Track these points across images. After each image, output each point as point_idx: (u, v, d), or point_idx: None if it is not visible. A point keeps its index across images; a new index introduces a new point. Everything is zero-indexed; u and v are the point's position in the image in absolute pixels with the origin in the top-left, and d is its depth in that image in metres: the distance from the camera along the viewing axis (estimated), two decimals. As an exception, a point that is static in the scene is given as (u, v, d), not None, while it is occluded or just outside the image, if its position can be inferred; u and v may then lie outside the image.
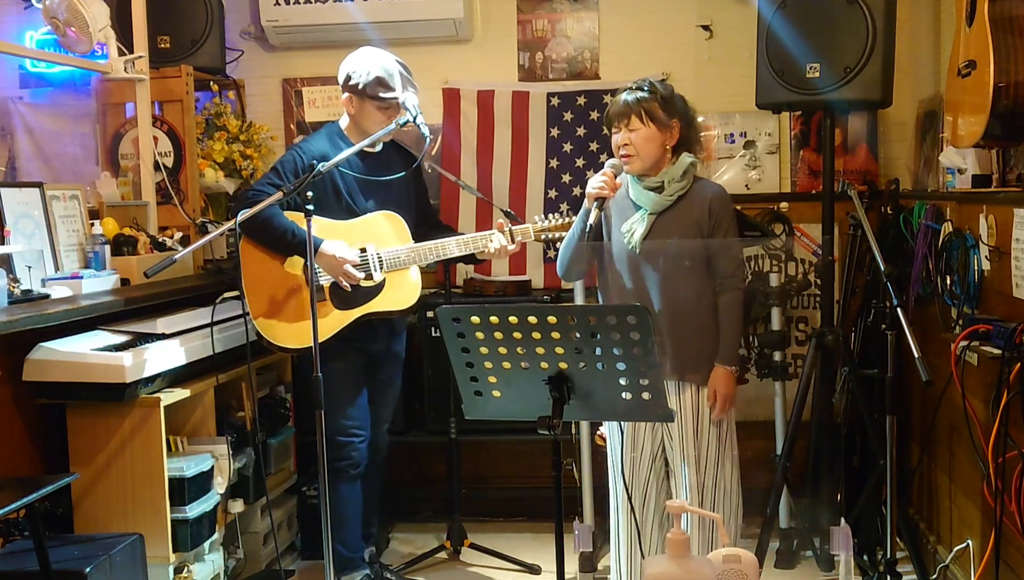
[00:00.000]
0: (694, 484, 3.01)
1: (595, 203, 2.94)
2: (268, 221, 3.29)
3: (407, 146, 3.69)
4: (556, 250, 4.55)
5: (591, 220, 2.91)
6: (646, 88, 2.99)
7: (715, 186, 3.10)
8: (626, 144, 2.96)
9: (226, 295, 3.49)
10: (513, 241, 3.40)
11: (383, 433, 3.77)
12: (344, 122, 3.53)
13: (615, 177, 2.98)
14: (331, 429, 3.42)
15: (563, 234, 3.38)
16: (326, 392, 3.30)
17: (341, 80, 3.44)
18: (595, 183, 2.95)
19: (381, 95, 3.37)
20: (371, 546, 3.84)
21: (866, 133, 4.51)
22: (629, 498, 3.05)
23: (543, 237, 3.43)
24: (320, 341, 3.27)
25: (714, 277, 3.03)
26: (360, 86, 3.38)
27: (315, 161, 3.14)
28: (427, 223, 3.66)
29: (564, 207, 4.58)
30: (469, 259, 3.55)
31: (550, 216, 3.45)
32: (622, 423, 2.98)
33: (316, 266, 3.31)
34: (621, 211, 3.06)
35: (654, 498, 3.10)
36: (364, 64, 3.39)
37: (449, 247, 3.42)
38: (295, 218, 3.34)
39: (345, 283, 3.34)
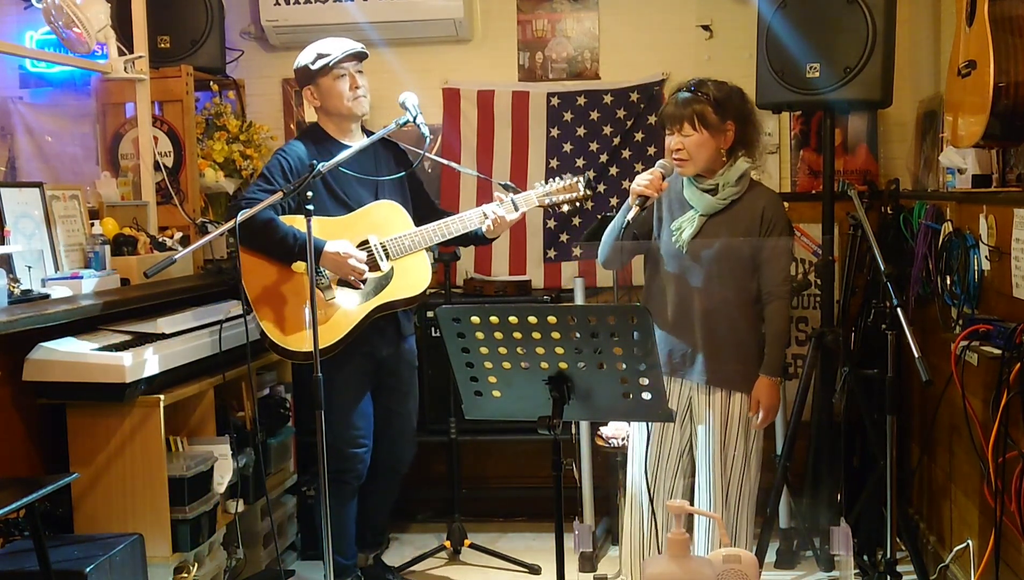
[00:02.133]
0: (717, 488, 3.00)
1: (637, 201, 2.90)
2: (267, 228, 3.25)
3: (394, 138, 3.64)
4: (556, 251, 4.59)
5: (630, 216, 2.88)
6: (698, 91, 2.94)
7: (770, 193, 3.07)
8: (679, 148, 2.94)
9: (231, 312, 3.50)
10: (516, 209, 3.41)
11: (408, 444, 3.69)
12: (322, 122, 3.52)
13: (663, 178, 2.94)
14: (336, 438, 3.39)
15: (568, 197, 3.42)
16: (330, 400, 3.28)
17: (299, 87, 3.50)
18: (641, 180, 2.91)
19: (322, 63, 3.38)
20: (377, 551, 3.84)
21: (866, 133, 4.51)
22: (651, 497, 3.04)
23: (546, 201, 3.44)
24: (339, 338, 3.30)
25: (762, 286, 2.99)
26: (303, 70, 3.42)
27: (315, 161, 3.13)
28: (428, 212, 3.62)
29: (565, 208, 4.56)
30: (479, 240, 3.52)
31: (551, 181, 3.45)
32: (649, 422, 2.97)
33: (322, 269, 3.31)
34: (674, 209, 3.04)
35: (679, 497, 3.08)
36: (303, 53, 3.46)
37: (452, 225, 3.41)
38: (292, 222, 3.32)
39: (357, 281, 3.32)
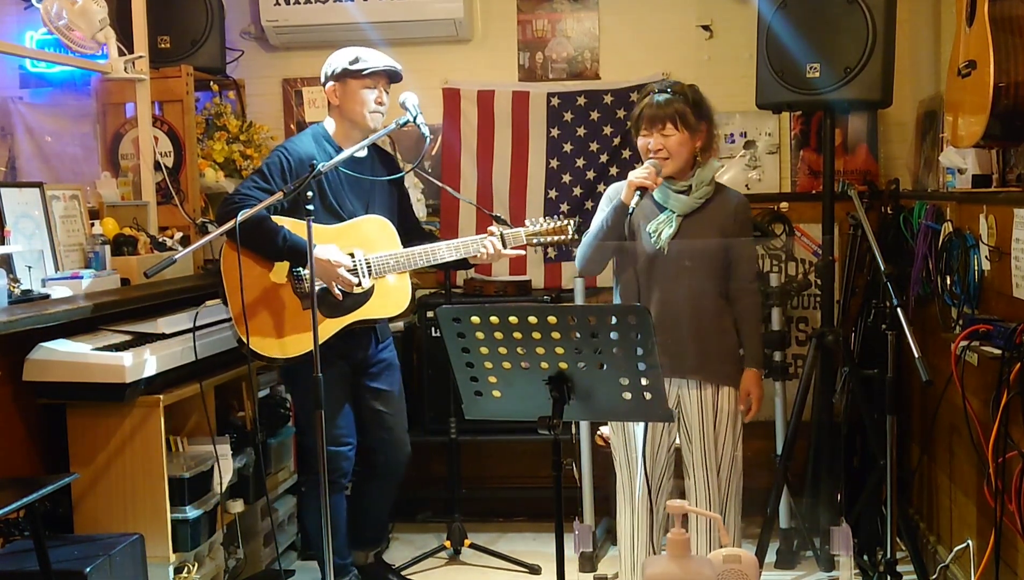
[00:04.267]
0: (714, 485, 3.03)
1: (636, 192, 2.93)
2: (258, 225, 3.18)
3: (389, 152, 3.63)
4: (556, 251, 4.59)
5: (633, 204, 2.92)
6: (677, 92, 3.00)
7: (738, 194, 3.17)
8: (660, 149, 2.99)
9: (208, 303, 3.45)
10: (506, 246, 3.37)
11: (401, 444, 3.66)
12: (329, 125, 3.47)
13: (656, 174, 2.98)
14: (318, 438, 3.38)
15: (556, 239, 3.39)
16: (310, 401, 3.26)
17: (322, 81, 3.45)
18: (639, 173, 2.95)
19: (359, 67, 3.35)
20: (378, 548, 3.83)
21: (866, 133, 4.51)
22: (649, 493, 3.07)
23: (534, 241, 3.39)
24: (306, 351, 3.21)
25: (734, 281, 3.08)
26: (337, 70, 3.39)
27: (315, 161, 3.11)
28: (409, 230, 3.59)
29: (564, 208, 4.59)
30: (460, 264, 3.49)
31: (542, 220, 3.41)
32: (645, 423, 2.99)
33: (303, 273, 3.27)
34: (645, 213, 3.07)
35: (664, 498, 3.11)
36: (340, 52, 3.43)
37: (440, 251, 3.37)
38: (284, 223, 3.28)
39: (337, 290, 3.27)
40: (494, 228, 3.40)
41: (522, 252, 3.43)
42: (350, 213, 3.41)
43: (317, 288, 3.27)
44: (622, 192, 2.99)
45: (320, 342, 3.21)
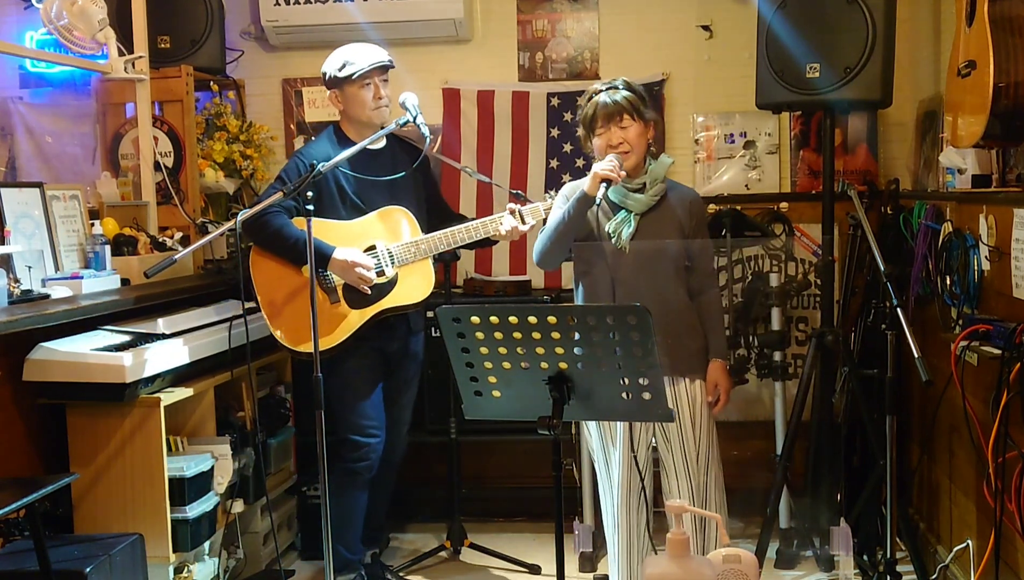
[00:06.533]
0: (694, 480, 3.04)
1: (603, 185, 2.95)
2: (279, 233, 3.33)
3: (411, 140, 3.70)
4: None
5: (599, 197, 2.93)
6: (625, 87, 3.05)
7: (690, 189, 3.23)
8: (621, 141, 3.01)
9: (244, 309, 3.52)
10: (524, 222, 3.43)
11: (403, 434, 3.76)
12: (344, 125, 3.58)
13: (619, 167, 2.99)
14: (348, 429, 3.47)
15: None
16: (343, 391, 3.38)
17: (324, 84, 3.55)
18: (605, 165, 2.97)
19: (347, 72, 3.43)
20: (376, 547, 3.85)
21: (866, 133, 4.50)
22: (646, 495, 3.08)
23: None
24: (340, 342, 3.37)
25: (695, 276, 3.13)
26: (329, 76, 3.48)
27: (315, 161, 3.16)
28: (439, 215, 3.69)
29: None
30: (483, 243, 3.56)
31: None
32: (619, 423, 2.99)
33: (329, 272, 3.37)
34: (604, 212, 3.08)
35: (645, 498, 3.11)
36: (331, 58, 3.51)
37: (459, 234, 3.45)
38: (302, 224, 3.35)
39: (364, 287, 3.37)
40: (512, 205, 3.46)
41: (542, 215, 3.46)
42: (373, 206, 3.49)
43: (344, 282, 3.40)
44: (579, 189, 3.01)
45: (349, 335, 3.40)
